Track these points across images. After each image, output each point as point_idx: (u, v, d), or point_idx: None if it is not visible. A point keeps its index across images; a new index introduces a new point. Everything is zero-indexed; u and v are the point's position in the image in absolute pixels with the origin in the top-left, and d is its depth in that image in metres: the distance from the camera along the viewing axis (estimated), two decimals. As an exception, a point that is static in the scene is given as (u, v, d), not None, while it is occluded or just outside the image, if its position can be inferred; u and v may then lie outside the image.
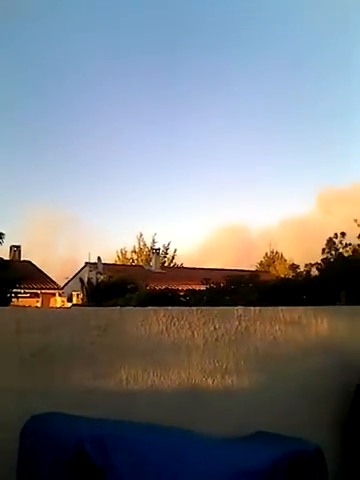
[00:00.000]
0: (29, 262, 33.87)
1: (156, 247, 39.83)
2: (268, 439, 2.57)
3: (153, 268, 35.90)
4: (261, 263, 40.62)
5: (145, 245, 41.17)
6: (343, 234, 15.77)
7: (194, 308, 3.32)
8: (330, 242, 15.77)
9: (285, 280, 17.09)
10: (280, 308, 3.52)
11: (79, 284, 29.04)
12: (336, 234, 15.68)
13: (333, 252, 15.37)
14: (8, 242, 27.09)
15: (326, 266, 15.03)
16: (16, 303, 21.95)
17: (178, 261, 41.49)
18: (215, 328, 3.21)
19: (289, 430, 2.72)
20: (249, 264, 33.92)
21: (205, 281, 19.43)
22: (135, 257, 41.61)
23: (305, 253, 16.86)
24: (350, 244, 15.56)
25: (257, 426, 2.86)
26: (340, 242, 15.52)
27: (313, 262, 15.93)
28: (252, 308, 3.41)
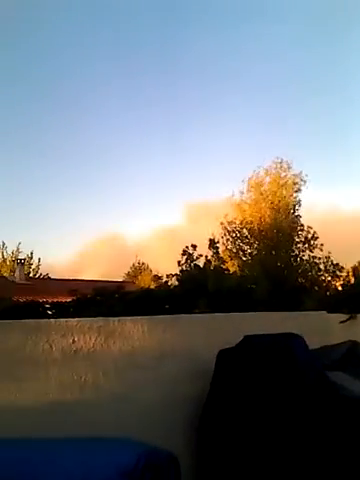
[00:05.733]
0: None
1: (21, 257, 38.25)
2: (121, 445, 2.61)
3: (17, 279, 34.46)
4: (128, 274, 40.82)
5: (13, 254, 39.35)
6: (194, 246, 16.32)
7: (52, 320, 3.31)
8: (186, 253, 16.22)
9: (148, 290, 17.32)
10: (139, 318, 3.62)
11: None
12: (187, 246, 16.19)
13: (189, 262, 15.88)
14: None
15: (183, 276, 15.47)
16: None
17: (44, 271, 40.26)
18: (74, 341, 3.21)
19: (145, 437, 2.79)
20: (120, 275, 33.92)
21: (73, 293, 18.95)
22: (-3, 268, 39.61)
23: (172, 264, 17.12)
24: (202, 255, 16.26)
25: (114, 436, 2.90)
26: (193, 253, 16.11)
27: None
28: (111, 319, 3.47)
